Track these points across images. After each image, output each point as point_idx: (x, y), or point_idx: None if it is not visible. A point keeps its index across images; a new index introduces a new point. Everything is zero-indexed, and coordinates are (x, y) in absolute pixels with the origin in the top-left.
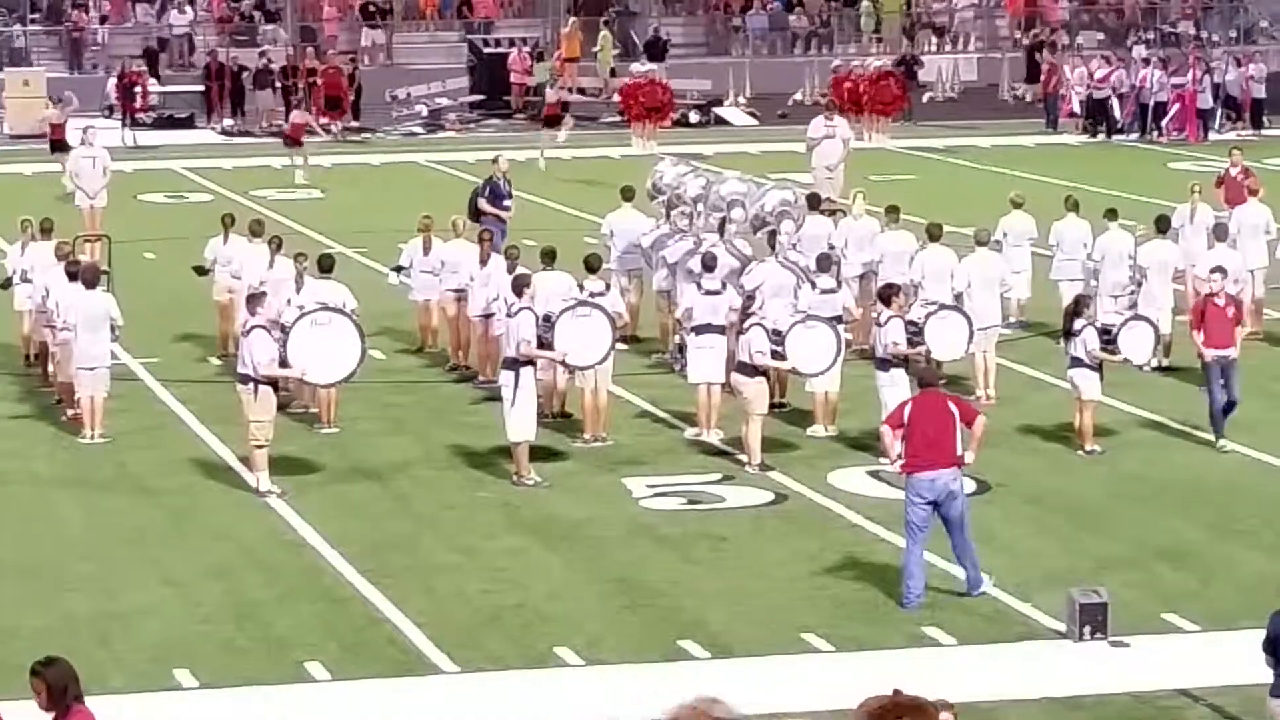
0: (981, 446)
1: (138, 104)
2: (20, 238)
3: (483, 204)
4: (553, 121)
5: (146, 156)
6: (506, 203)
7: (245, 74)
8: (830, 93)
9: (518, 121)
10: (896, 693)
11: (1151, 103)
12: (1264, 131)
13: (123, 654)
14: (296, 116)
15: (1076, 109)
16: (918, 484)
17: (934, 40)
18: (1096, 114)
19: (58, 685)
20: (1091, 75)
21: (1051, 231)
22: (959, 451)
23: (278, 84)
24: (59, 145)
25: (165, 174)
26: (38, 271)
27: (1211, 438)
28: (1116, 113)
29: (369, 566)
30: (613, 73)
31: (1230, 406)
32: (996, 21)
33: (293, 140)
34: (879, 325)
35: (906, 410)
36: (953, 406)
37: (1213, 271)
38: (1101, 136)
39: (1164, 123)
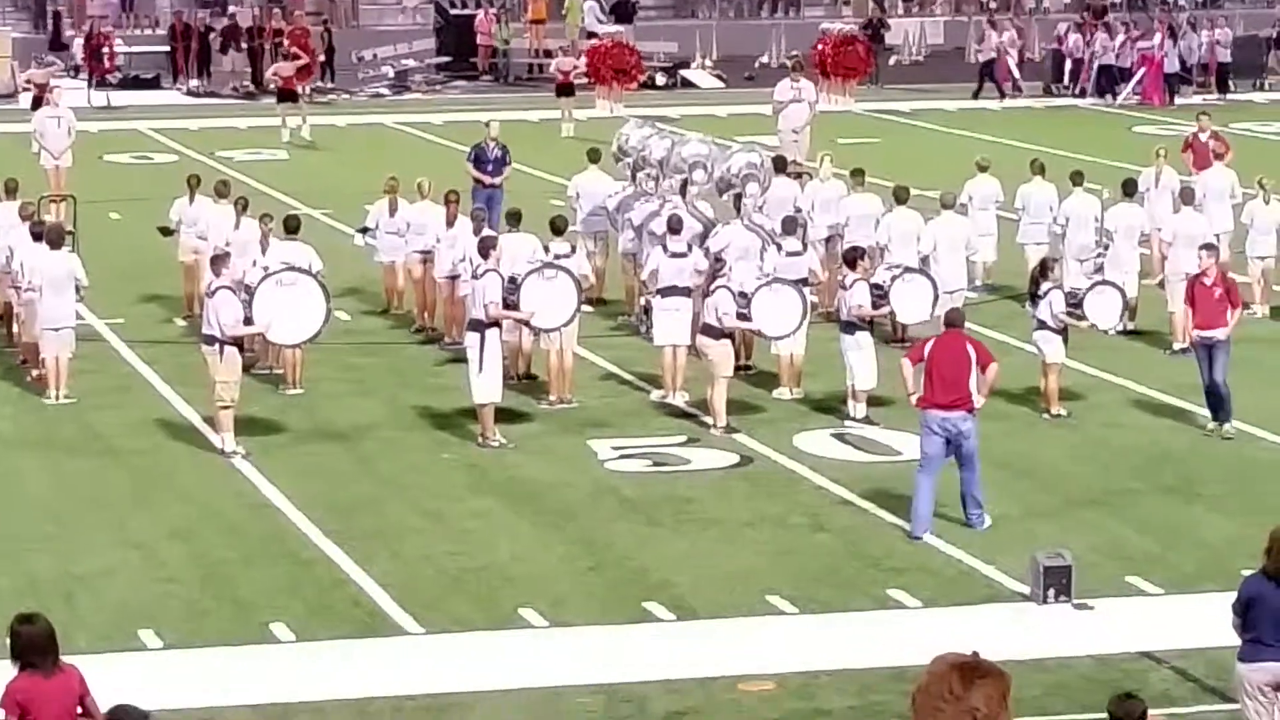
0: (992, 390)
1: (106, 65)
2: None
3: (468, 168)
4: (566, 90)
5: (112, 117)
6: (490, 168)
7: (212, 35)
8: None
9: (484, 83)
10: (975, 654)
11: (1096, 65)
12: (1229, 96)
13: (87, 614)
14: (284, 69)
15: (1016, 73)
16: (930, 418)
17: (901, 3)
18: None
19: (32, 645)
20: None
21: (1017, 195)
22: (972, 394)
23: (244, 44)
24: (40, 104)
25: (131, 135)
26: (1, 232)
27: (1190, 410)
28: (1066, 76)
29: (334, 528)
30: (591, 35)
31: (1215, 391)
32: None
33: (288, 94)
34: (844, 288)
35: (927, 347)
36: (970, 349)
37: (1201, 248)
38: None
39: (1129, 86)
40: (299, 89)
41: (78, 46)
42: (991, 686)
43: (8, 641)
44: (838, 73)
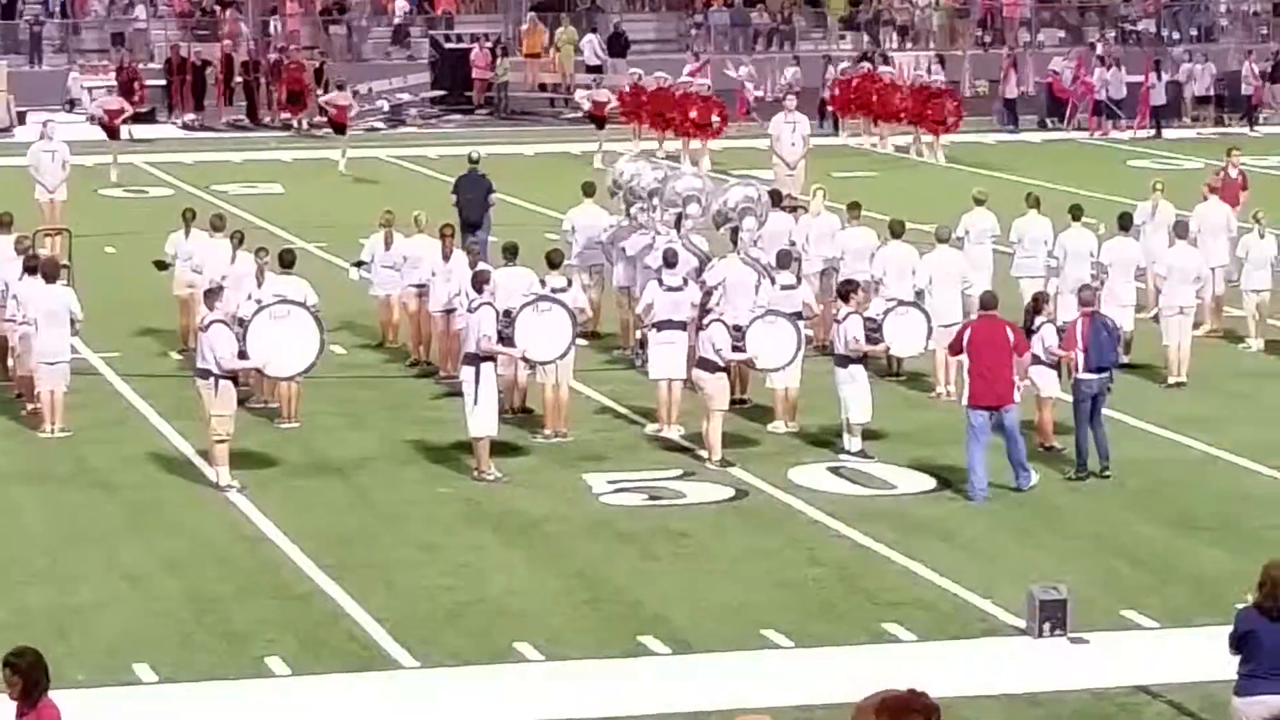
0: (1024, 376)
1: (136, 98)
2: None
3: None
4: (599, 122)
5: (107, 150)
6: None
7: (209, 69)
8: (831, 95)
9: (479, 117)
10: (911, 690)
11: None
12: (1222, 129)
13: (81, 648)
14: (340, 99)
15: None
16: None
17: (896, 37)
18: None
19: (30, 677)
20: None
21: (1013, 228)
22: (1013, 382)
23: (238, 78)
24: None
25: (126, 168)
26: None
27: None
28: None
29: (329, 561)
30: (592, 69)
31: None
32: (958, 19)
33: (340, 126)
34: (838, 322)
35: (966, 336)
36: (1010, 334)
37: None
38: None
39: (1075, 117)
40: (293, 119)
41: (73, 81)
42: None
43: (16, 675)
44: (925, 125)
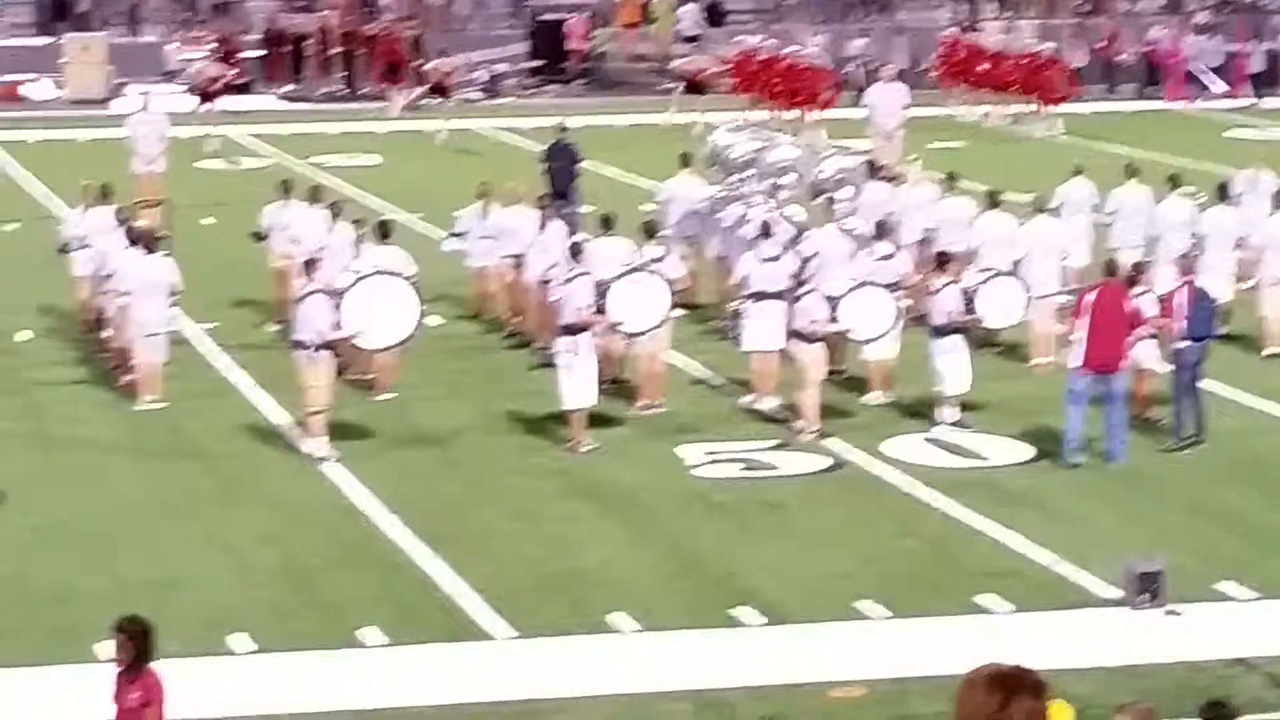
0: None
1: (234, 70)
2: (80, 202)
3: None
4: (698, 88)
5: (204, 122)
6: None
7: (306, 42)
8: (938, 61)
9: (575, 88)
10: (1017, 667)
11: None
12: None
13: (177, 618)
14: (445, 64)
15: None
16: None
17: (999, 3)
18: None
19: (141, 646)
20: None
21: (1111, 199)
22: (1124, 350)
23: (334, 49)
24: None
25: (223, 140)
26: (97, 236)
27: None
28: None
29: (424, 532)
30: (689, 39)
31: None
32: None
33: (444, 91)
34: (933, 293)
35: (1088, 297)
36: (1130, 305)
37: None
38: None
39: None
40: (451, 87)
41: (172, 53)
42: (1029, 699)
43: (131, 641)
44: (1037, 95)
